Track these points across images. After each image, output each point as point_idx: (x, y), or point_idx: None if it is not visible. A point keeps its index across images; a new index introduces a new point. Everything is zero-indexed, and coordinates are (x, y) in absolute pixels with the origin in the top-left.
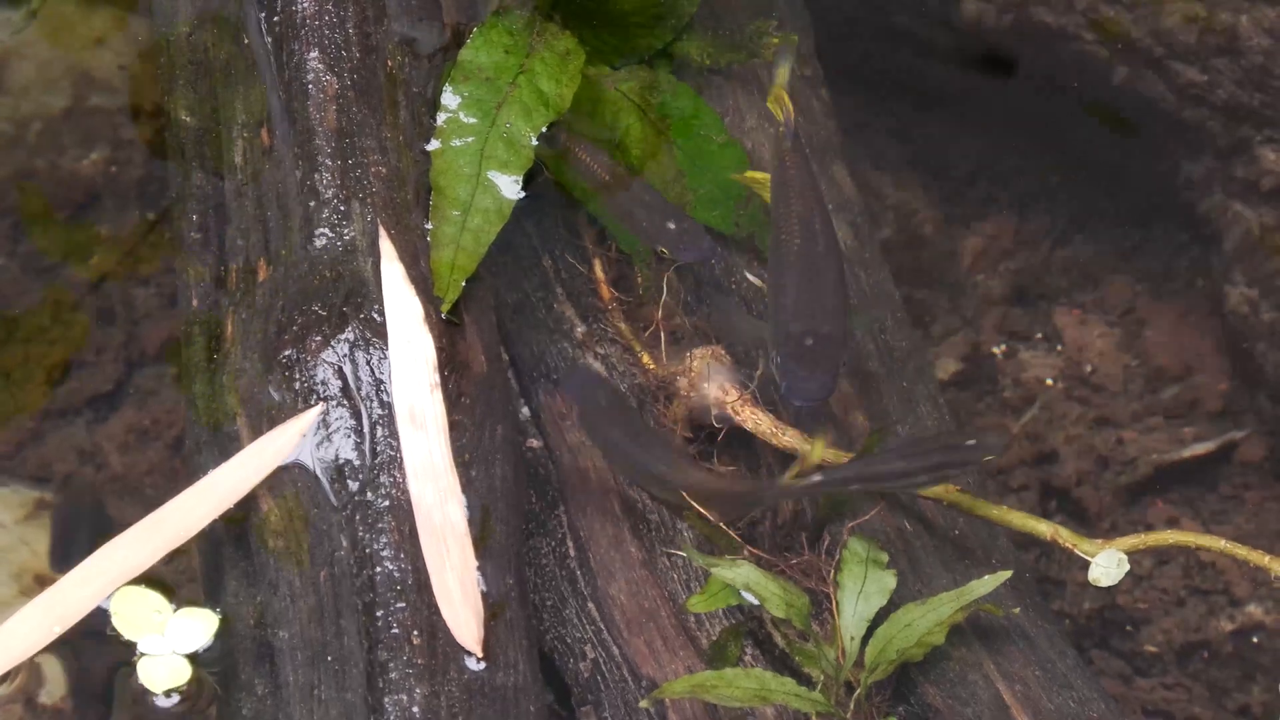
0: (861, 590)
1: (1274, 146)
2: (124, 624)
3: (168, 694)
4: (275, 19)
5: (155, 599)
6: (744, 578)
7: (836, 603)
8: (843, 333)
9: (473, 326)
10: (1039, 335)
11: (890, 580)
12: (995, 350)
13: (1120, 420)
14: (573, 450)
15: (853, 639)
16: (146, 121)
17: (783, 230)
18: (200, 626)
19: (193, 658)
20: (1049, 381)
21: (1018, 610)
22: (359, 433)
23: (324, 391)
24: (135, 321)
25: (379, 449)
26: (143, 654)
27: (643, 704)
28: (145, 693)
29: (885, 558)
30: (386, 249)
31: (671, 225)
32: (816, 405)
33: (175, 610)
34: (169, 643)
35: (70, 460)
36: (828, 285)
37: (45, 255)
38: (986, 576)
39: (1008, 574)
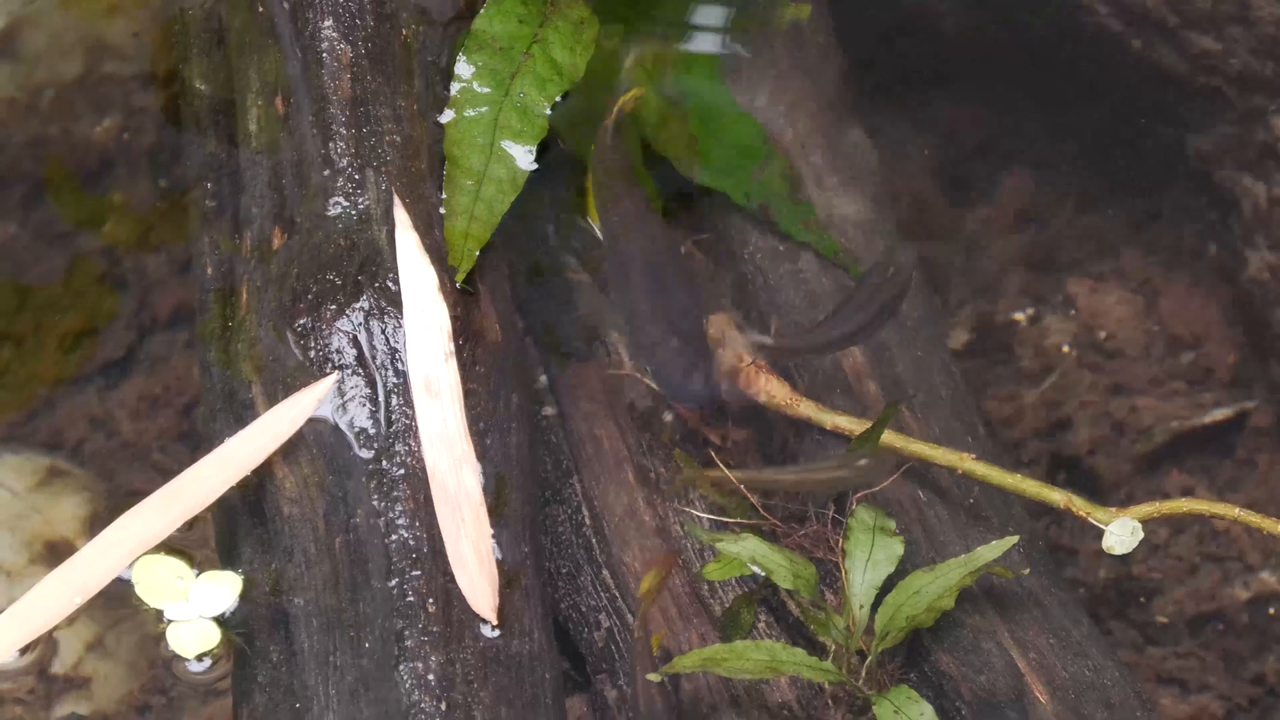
0: (870, 558)
1: None
2: (147, 592)
3: (199, 658)
4: None
5: (177, 565)
6: (750, 551)
7: (845, 571)
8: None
9: (487, 296)
10: (1054, 302)
11: (898, 547)
12: (1018, 316)
13: (1135, 388)
14: (587, 418)
15: (862, 607)
16: (159, 89)
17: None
18: (224, 589)
19: (219, 620)
20: (1064, 349)
21: (1027, 571)
22: (374, 401)
23: (339, 360)
24: (147, 289)
25: (394, 417)
26: (170, 620)
27: (650, 677)
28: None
29: (893, 524)
30: (401, 218)
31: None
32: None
33: (197, 575)
34: (195, 607)
35: (82, 427)
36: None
37: (58, 223)
38: (994, 542)
39: (1015, 539)
